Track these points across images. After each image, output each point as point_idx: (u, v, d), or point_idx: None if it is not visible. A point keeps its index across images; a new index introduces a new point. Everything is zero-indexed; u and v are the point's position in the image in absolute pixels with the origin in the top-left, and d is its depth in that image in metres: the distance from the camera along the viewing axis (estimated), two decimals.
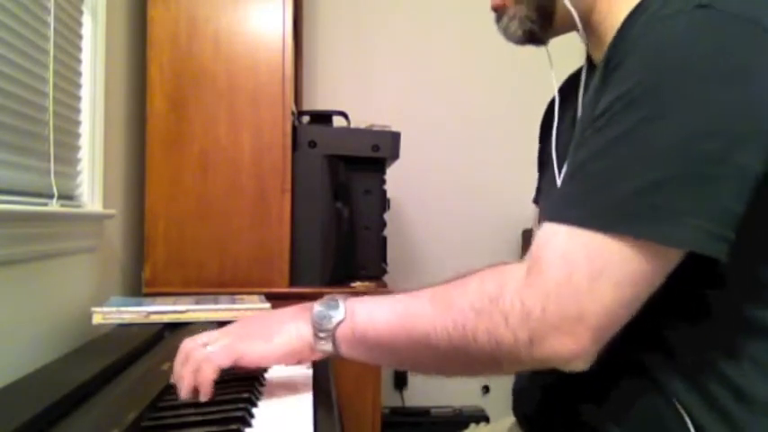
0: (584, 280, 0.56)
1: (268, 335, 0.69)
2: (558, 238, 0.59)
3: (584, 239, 0.57)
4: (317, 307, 0.68)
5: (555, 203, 0.63)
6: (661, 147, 0.56)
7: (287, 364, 0.71)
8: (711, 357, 0.63)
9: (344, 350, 0.68)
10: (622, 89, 0.58)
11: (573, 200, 0.60)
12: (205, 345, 0.70)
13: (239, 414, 0.62)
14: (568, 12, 0.74)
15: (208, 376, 0.66)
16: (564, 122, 0.82)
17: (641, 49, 0.58)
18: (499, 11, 0.80)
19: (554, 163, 0.79)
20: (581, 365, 0.58)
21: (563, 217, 0.59)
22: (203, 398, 0.66)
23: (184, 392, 0.67)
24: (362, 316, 0.67)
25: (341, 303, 0.68)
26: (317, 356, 0.70)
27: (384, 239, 1.75)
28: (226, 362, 0.68)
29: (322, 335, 0.67)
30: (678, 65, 0.56)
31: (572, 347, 0.57)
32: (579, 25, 0.75)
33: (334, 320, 0.67)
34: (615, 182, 0.57)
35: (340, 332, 0.67)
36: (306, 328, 0.68)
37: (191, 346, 0.70)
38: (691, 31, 0.57)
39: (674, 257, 0.57)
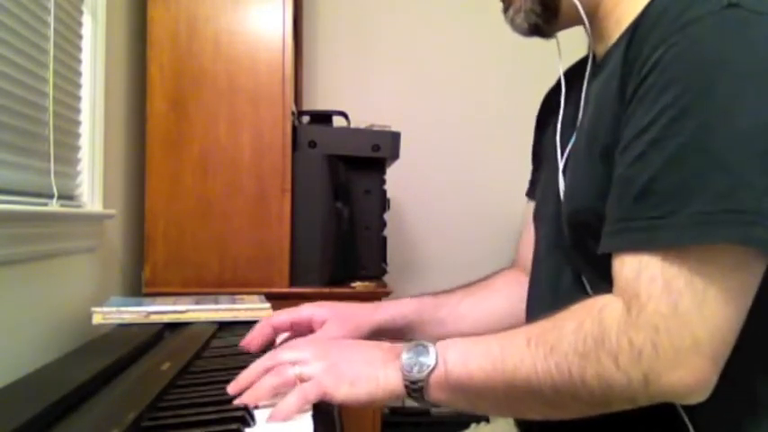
0: (692, 306, 0.55)
1: (355, 377, 0.66)
2: (651, 268, 0.57)
3: (680, 262, 0.55)
4: (405, 354, 0.66)
5: (627, 231, 0.60)
6: (728, 149, 0.55)
7: None
8: None
9: (437, 397, 0.65)
10: (668, 98, 0.57)
11: (655, 223, 0.57)
12: (294, 363, 0.68)
13: (239, 414, 0.62)
14: (573, 6, 0.74)
15: (291, 408, 0.63)
16: (566, 116, 0.81)
17: (678, 55, 0.57)
18: (506, 2, 0.80)
19: (558, 154, 0.79)
20: (701, 397, 0.57)
21: (649, 244, 0.57)
22: (272, 420, 0.63)
23: (252, 400, 0.65)
24: (456, 362, 0.64)
25: (431, 349, 0.65)
26: (393, 400, 0.67)
27: (384, 239, 1.75)
28: (313, 400, 0.65)
29: (414, 383, 0.64)
30: (723, 67, 0.56)
31: (690, 380, 0.55)
32: (585, 19, 0.74)
33: (426, 368, 0.64)
34: (695, 194, 0.55)
35: (432, 379, 0.64)
36: (395, 376, 0.65)
37: (283, 360, 0.68)
38: (727, 32, 0.57)
39: (764, 260, 0.57)
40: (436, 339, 0.67)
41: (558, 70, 0.85)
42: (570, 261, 0.73)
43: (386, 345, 0.72)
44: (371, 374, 0.66)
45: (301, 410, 0.64)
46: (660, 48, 0.58)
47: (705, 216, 0.54)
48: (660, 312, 0.55)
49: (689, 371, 0.55)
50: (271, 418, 0.63)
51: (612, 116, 0.64)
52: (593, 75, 0.76)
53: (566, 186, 0.75)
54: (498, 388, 0.62)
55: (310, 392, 0.65)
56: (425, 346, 0.66)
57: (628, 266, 0.59)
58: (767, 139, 0.55)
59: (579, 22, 0.77)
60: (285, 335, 0.92)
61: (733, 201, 0.54)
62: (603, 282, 0.63)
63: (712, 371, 0.56)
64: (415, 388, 0.64)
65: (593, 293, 0.67)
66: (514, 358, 0.61)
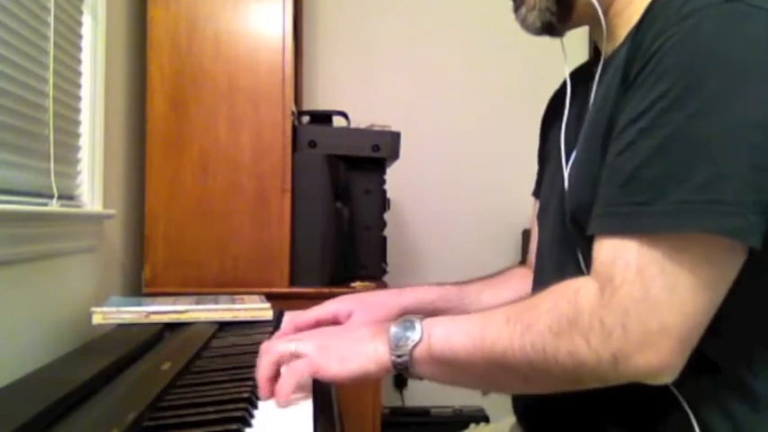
0: (663, 292, 0.56)
1: (346, 354, 0.69)
2: (628, 253, 0.58)
3: (655, 249, 0.56)
4: (393, 328, 0.69)
5: (610, 216, 0.61)
6: (714, 141, 0.55)
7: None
8: (718, 357, 0.63)
9: (421, 370, 0.68)
10: (661, 88, 0.58)
11: (636, 209, 0.58)
12: (290, 342, 0.73)
13: (239, 414, 0.62)
14: (588, 4, 0.73)
15: (289, 383, 0.68)
16: (571, 115, 0.81)
17: (675, 45, 0.58)
18: (517, 0, 0.79)
19: (562, 154, 0.79)
20: (668, 378, 0.58)
21: (628, 229, 0.58)
22: (281, 405, 0.68)
23: (261, 389, 0.70)
24: (439, 337, 0.67)
25: (417, 324, 0.68)
26: (387, 374, 0.70)
27: (384, 239, 1.75)
28: (305, 374, 0.69)
29: (399, 357, 0.67)
30: (717, 60, 0.56)
31: (657, 362, 0.56)
32: (602, 17, 0.74)
33: (411, 342, 0.67)
34: (676, 184, 0.56)
35: (417, 353, 0.67)
36: (384, 349, 0.68)
37: (281, 346, 0.72)
38: (724, 26, 0.57)
39: (742, 253, 0.57)
40: (424, 317, 0.70)
41: (565, 71, 0.84)
42: (574, 255, 0.74)
43: (376, 323, 0.75)
44: (361, 350, 0.69)
45: (297, 386, 0.68)
46: (660, 38, 0.59)
47: (684, 205, 0.55)
48: (632, 296, 0.57)
49: (656, 353, 0.56)
50: (276, 404, 0.67)
51: (615, 107, 0.65)
52: (602, 73, 0.75)
53: (569, 183, 0.75)
54: (478, 363, 0.65)
55: (303, 368, 0.69)
56: (412, 322, 0.69)
57: (605, 250, 0.60)
58: (754, 133, 0.55)
59: (589, 21, 0.76)
60: None
61: (713, 191, 0.55)
62: None
63: (679, 355, 0.57)
64: (400, 361, 0.67)
65: None
66: (493, 335, 0.63)
